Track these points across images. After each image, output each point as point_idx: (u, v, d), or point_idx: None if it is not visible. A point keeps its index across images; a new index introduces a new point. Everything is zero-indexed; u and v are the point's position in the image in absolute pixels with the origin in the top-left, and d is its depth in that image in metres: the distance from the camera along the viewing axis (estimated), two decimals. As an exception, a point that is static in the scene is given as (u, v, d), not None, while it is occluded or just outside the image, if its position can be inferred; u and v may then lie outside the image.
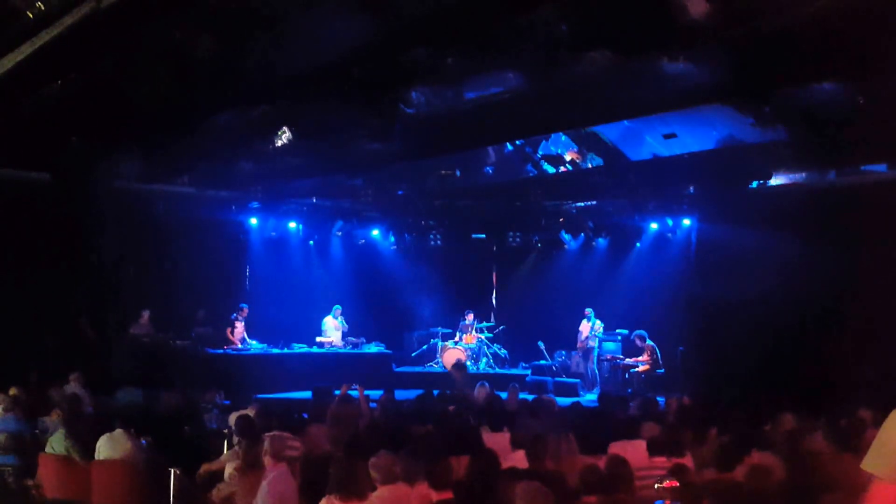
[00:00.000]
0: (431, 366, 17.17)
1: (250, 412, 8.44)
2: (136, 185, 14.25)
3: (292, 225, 18.09)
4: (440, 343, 17.16)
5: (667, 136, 12.02)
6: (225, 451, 8.01)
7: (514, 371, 16.72)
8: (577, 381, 15.69)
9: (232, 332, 15.84)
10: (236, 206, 16.57)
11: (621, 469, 5.76)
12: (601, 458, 6.53)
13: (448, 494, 5.50)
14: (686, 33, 7.92)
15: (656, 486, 3.33)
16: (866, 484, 2.73)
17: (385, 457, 5.55)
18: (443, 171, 15.56)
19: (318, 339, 16.83)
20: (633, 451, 6.72)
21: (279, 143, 12.60)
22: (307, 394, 12.03)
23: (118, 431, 8.03)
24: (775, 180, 13.26)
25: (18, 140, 11.88)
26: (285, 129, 12.33)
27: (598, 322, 16.06)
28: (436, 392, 10.81)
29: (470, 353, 16.88)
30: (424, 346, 17.65)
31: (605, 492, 5.46)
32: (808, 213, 12.37)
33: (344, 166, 14.05)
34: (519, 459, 6.62)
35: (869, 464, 2.68)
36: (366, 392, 10.45)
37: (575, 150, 14.16)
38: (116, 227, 13.42)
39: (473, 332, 17.21)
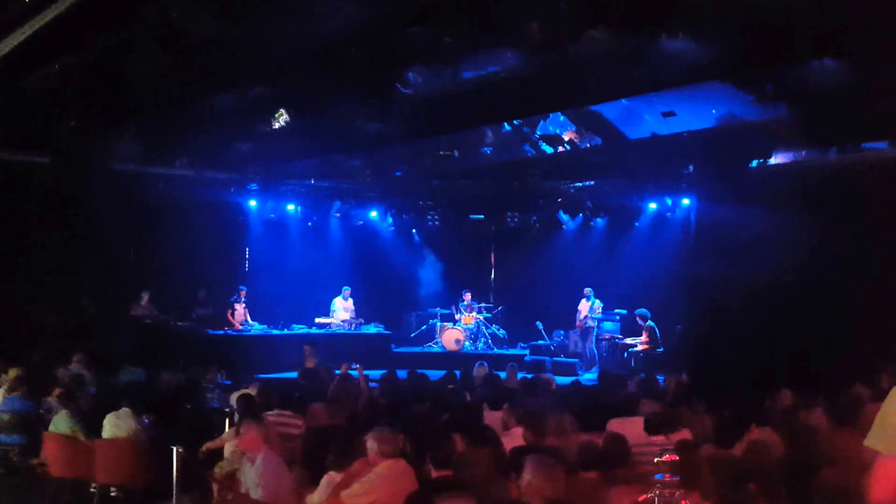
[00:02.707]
0: (430, 346, 17.24)
1: (252, 391, 8.48)
2: (134, 166, 14.25)
3: (291, 207, 18.11)
4: (439, 323, 17.22)
5: (666, 115, 11.97)
6: (226, 430, 8.05)
7: (512, 351, 16.77)
8: (576, 360, 15.75)
9: (232, 315, 15.90)
10: (235, 187, 16.57)
11: (619, 445, 5.82)
12: (600, 435, 6.59)
13: (448, 472, 5.54)
14: (686, 9, 7.89)
15: (656, 459, 3.35)
16: (866, 459, 2.74)
17: (384, 432, 5.58)
18: (441, 152, 15.51)
19: (318, 319, 16.89)
20: (632, 428, 6.76)
21: (276, 125, 12.57)
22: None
23: (124, 410, 8.09)
24: (775, 159, 13.22)
25: (18, 122, 11.87)
26: (282, 110, 12.30)
27: (597, 302, 16.10)
28: (437, 373, 10.87)
29: (468, 334, 16.95)
30: (423, 327, 17.72)
31: (604, 468, 5.51)
32: (808, 191, 12.35)
33: (341, 147, 14.02)
34: (518, 436, 6.67)
35: (872, 440, 2.68)
36: (365, 372, 10.50)
37: (573, 129, 14.12)
38: (116, 208, 13.42)
39: (472, 312, 17.25)
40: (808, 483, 4.26)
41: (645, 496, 3.22)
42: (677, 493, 3.17)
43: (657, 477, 3.23)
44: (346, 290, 17.23)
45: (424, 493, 5.15)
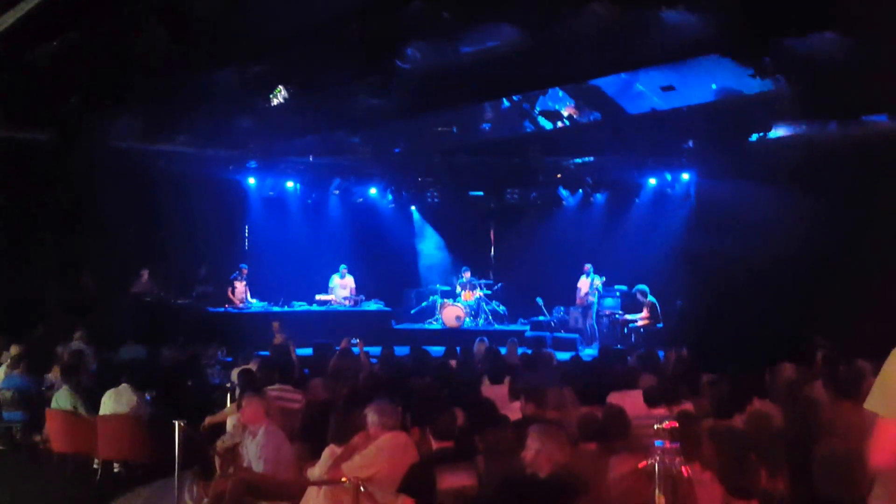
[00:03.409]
0: (431, 323, 17.27)
1: (252, 366, 8.51)
2: (134, 143, 14.20)
3: (290, 184, 18.09)
4: (439, 300, 17.24)
5: (665, 89, 11.92)
6: (228, 405, 8.08)
7: (512, 327, 16.80)
8: (576, 336, 15.79)
9: (233, 293, 15.92)
10: (234, 165, 16.53)
11: (619, 417, 5.81)
12: (599, 408, 6.60)
13: (449, 443, 5.56)
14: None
15: (655, 426, 3.36)
16: (866, 428, 2.74)
17: (384, 404, 5.60)
18: (440, 128, 15.44)
19: (318, 296, 16.92)
20: (632, 401, 6.78)
21: (276, 101, 12.51)
22: (308, 351, 12.11)
23: (123, 386, 8.12)
24: (775, 133, 13.17)
25: (19, 99, 11.83)
26: (281, 86, 12.24)
27: (597, 278, 16.10)
28: (438, 349, 10.88)
29: (469, 310, 16.97)
30: (423, 304, 17.74)
31: (604, 439, 5.52)
32: (808, 165, 12.31)
33: (341, 123, 13.95)
34: (518, 410, 6.69)
35: (872, 403, 2.69)
36: (365, 349, 10.52)
37: (573, 105, 14.06)
38: (116, 185, 13.40)
39: (472, 289, 17.27)
40: (808, 452, 4.27)
41: (645, 462, 3.23)
42: (677, 459, 3.17)
43: (657, 444, 3.24)
44: (344, 269, 17.27)
45: (426, 465, 5.19)
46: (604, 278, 16.13)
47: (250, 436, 6.47)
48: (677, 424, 3.41)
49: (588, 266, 16.26)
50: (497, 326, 16.86)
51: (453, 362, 9.87)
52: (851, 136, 12.63)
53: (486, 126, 15.55)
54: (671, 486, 3.19)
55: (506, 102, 14.78)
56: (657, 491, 3.20)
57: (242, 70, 11.79)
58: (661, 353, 11.04)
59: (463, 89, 12.00)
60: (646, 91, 12.42)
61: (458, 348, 10.82)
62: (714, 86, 11.85)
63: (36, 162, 13.27)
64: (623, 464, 4.06)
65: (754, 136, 13.10)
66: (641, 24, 8.88)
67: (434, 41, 10.64)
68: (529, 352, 11.31)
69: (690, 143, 14.51)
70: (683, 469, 3.19)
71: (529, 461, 4.67)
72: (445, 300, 17.12)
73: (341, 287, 17.10)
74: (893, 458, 2.62)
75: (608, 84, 12.65)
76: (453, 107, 13.86)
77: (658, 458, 3.21)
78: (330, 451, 5.74)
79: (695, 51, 9.98)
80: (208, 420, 7.65)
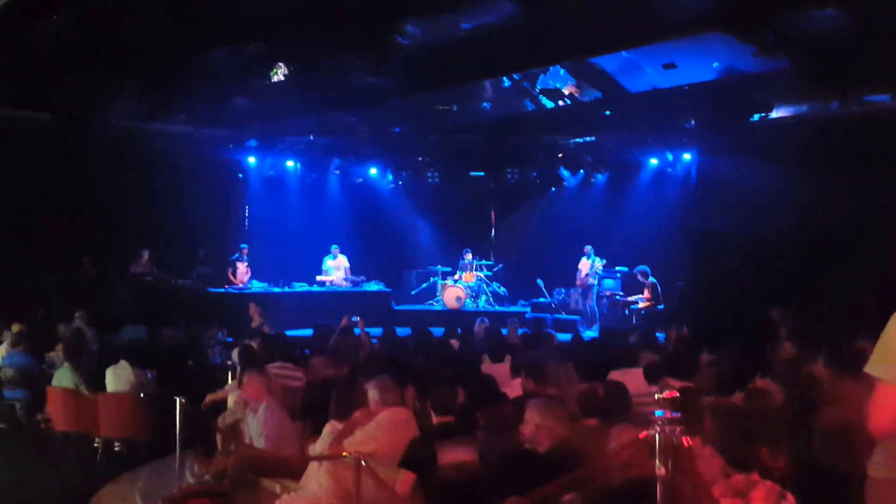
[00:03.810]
0: (431, 304, 17.27)
1: (253, 344, 8.52)
2: (133, 123, 14.15)
3: (290, 164, 18.04)
4: (440, 281, 17.23)
5: (667, 67, 11.83)
6: (229, 383, 8.10)
7: (513, 308, 16.81)
8: (577, 318, 15.80)
9: (234, 273, 15.90)
10: (233, 144, 16.46)
11: (620, 393, 5.83)
12: (600, 385, 6.60)
13: (449, 418, 5.57)
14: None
15: (656, 396, 3.34)
16: (867, 403, 2.73)
17: (385, 380, 5.59)
18: (439, 107, 15.36)
19: (319, 277, 16.91)
20: (632, 379, 6.78)
21: (274, 79, 12.46)
22: (308, 331, 12.13)
23: (122, 363, 8.12)
24: (777, 112, 13.11)
25: (16, 79, 11.77)
26: (280, 64, 12.18)
27: (598, 259, 16.08)
28: (438, 330, 10.88)
29: (469, 291, 16.96)
30: (424, 285, 17.72)
31: (604, 415, 5.53)
32: (810, 145, 12.26)
33: (340, 102, 13.87)
34: (518, 387, 6.70)
35: (872, 367, 2.68)
36: (366, 330, 10.52)
37: (573, 83, 13.97)
38: (115, 165, 13.37)
39: (472, 270, 17.25)
40: (808, 427, 4.27)
41: (645, 433, 3.21)
42: (678, 429, 3.16)
43: (657, 414, 3.22)
44: (335, 249, 17.18)
45: (426, 440, 5.19)
46: (604, 261, 16.11)
47: (251, 412, 6.48)
48: (678, 394, 3.38)
49: (588, 248, 16.23)
50: (497, 308, 16.86)
51: (454, 342, 9.88)
52: (853, 115, 12.56)
53: (487, 105, 15.47)
54: (672, 455, 3.17)
55: (506, 81, 14.69)
56: (657, 461, 3.18)
57: (240, 48, 11.73)
58: (661, 336, 11.03)
59: (462, 66, 11.93)
60: (647, 69, 12.33)
61: (458, 329, 10.83)
62: (716, 64, 11.77)
63: (35, 143, 13.21)
64: (623, 435, 4.05)
65: (756, 116, 13.03)
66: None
67: (433, 17, 10.57)
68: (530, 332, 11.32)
69: (692, 123, 14.44)
70: (684, 439, 3.17)
71: (528, 436, 4.67)
72: (446, 281, 17.11)
73: (335, 268, 17.05)
74: (893, 423, 2.61)
75: (609, 62, 12.57)
76: (453, 85, 13.77)
77: (659, 428, 3.18)
78: (331, 427, 5.75)
79: (696, 27, 9.91)
80: (209, 398, 7.68)
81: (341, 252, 17.22)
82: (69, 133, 13.14)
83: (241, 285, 15.80)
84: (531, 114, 15.14)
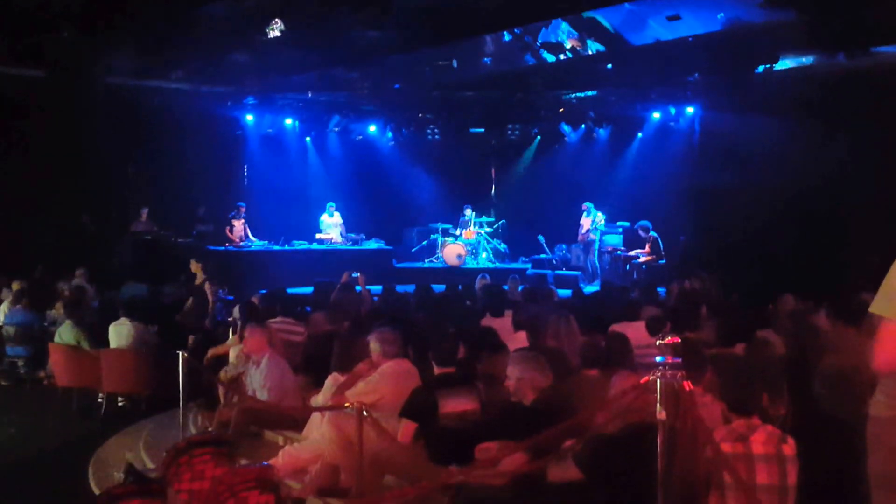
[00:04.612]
0: (431, 261, 17.25)
1: (255, 300, 8.51)
2: (130, 80, 14.01)
3: (289, 121, 17.90)
4: (440, 238, 17.18)
5: (671, 18, 11.66)
6: (230, 338, 8.10)
7: (514, 265, 16.80)
8: (578, 273, 15.77)
9: (231, 231, 15.87)
10: (232, 101, 16.31)
11: (621, 344, 5.82)
12: (602, 337, 6.59)
13: (450, 369, 5.57)
14: None
15: (658, 343, 3.32)
16: (868, 350, 2.72)
17: (386, 332, 5.59)
18: (440, 62, 15.16)
19: (318, 235, 16.88)
20: (634, 331, 6.77)
21: (272, 35, 12.29)
22: (309, 289, 12.12)
23: (123, 319, 8.13)
24: (782, 65, 12.94)
25: (12, 35, 11.63)
26: (278, 20, 12.00)
27: (599, 214, 16.00)
28: (439, 287, 10.85)
29: (470, 248, 16.92)
30: (424, 242, 17.68)
31: (606, 366, 5.52)
32: (815, 97, 12.13)
33: (338, 58, 13.71)
34: (520, 340, 6.69)
35: (878, 306, 2.67)
36: (367, 287, 10.49)
37: (575, 37, 13.78)
38: (113, 123, 13.26)
39: (473, 227, 17.20)
40: (809, 374, 4.26)
41: (647, 378, 3.20)
42: (679, 374, 3.15)
43: (659, 360, 3.20)
44: (331, 206, 17.12)
45: (427, 390, 5.19)
46: (605, 215, 16.04)
47: (254, 365, 6.49)
48: (679, 340, 3.36)
49: (587, 204, 16.14)
50: (498, 265, 16.85)
51: (455, 297, 9.87)
52: (859, 67, 12.40)
53: (488, 60, 15.27)
54: (673, 400, 3.16)
55: (507, 35, 14.48)
56: (658, 406, 3.18)
57: (237, 3, 11.56)
58: (661, 291, 11.01)
59: (463, 20, 11.76)
60: (651, 22, 12.14)
61: (459, 286, 10.81)
62: (721, 15, 11.59)
63: (32, 100, 13.09)
64: (624, 382, 4.05)
65: (760, 68, 12.87)
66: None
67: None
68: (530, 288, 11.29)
69: (695, 76, 14.27)
70: (685, 384, 3.16)
71: (513, 389, 4.69)
72: (446, 238, 17.07)
73: (332, 225, 17.01)
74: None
75: (612, 14, 12.37)
76: (454, 39, 13.59)
77: (660, 373, 3.17)
78: (333, 380, 5.76)
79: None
80: (211, 352, 7.69)
81: (338, 210, 17.16)
82: (65, 90, 13.01)
83: (239, 243, 15.77)
84: (532, 68, 14.96)
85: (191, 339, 8.65)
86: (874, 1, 10.22)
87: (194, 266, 11.69)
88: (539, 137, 18.45)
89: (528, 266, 16.56)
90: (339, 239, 16.90)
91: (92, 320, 9.08)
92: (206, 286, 10.58)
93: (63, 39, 11.97)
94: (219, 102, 16.07)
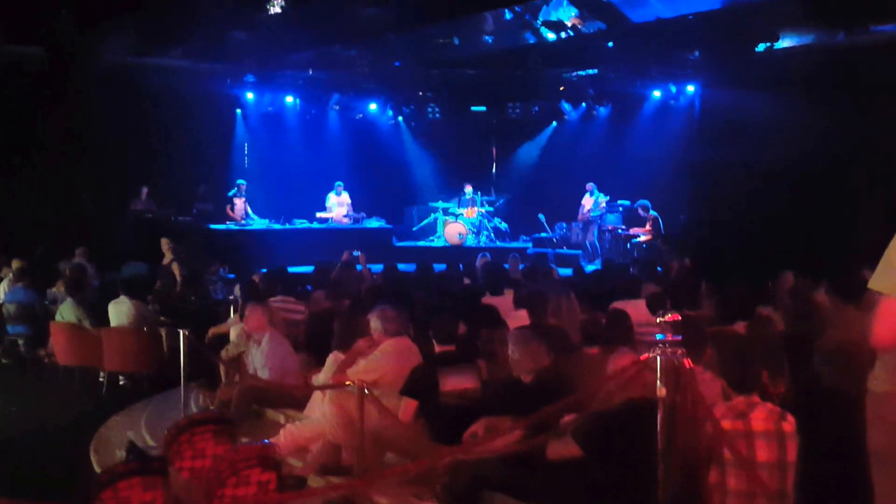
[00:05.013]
0: (432, 240, 17.24)
1: (256, 278, 8.52)
2: (129, 58, 13.92)
3: (289, 99, 17.83)
4: (441, 217, 17.17)
5: (671, -6, 11.61)
6: (231, 317, 8.12)
7: (514, 244, 16.80)
8: (579, 252, 15.79)
9: (231, 210, 15.86)
10: (231, 79, 16.24)
11: (622, 321, 5.83)
12: (602, 314, 6.60)
13: (451, 347, 5.58)
14: None
15: (658, 320, 3.33)
16: (868, 327, 2.72)
17: (387, 310, 5.59)
18: (440, 40, 15.08)
19: (319, 214, 16.87)
20: (634, 309, 6.77)
21: (272, 11, 12.23)
22: (309, 268, 12.11)
23: (123, 298, 8.13)
24: (782, 42, 12.87)
25: (8, 13, 11.54)
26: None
27: (601, 196, 16.00)
28: (440, 266, 10.86)
29: (470, 227, 16.91)
30: (425, 221, 17.67)
31: (606, 343, 5.54)
32: (816, 75, 12.06)
33: (338, 36, 13.63)
34: (521, 318, 6.70)
35: (876, 283, 2.67)
36: (367, 266, 10.50)
37: (576, 14, 13.70)
38: (113, 101, 13.19)
39: (474, 205, 17.18)
40: (809, 351, 4.27)
41: (647, 355, 3.21)
42: (679, 351, 3.16)
43: (659, 337, 3.22)
44: (339, 186, 17.12)
45: (428, 368, 5.21)
46: (608, 197, 16.03)
47: (255, 344, 6.51)
48: (679, 318, 3.37)
49: (591, 185, 16.13)
50: (499, 243, 16.85)
51: (455, 275, 9.88)
52: (860, 45, 12.34)
53: (488, 38, 15.19)
54: (673, 377, 3.18)
55: (508, 13, 14.40)
56: (658, 382, 3.19)
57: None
58: (661, 270, 11.00)
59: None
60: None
61: (460, 265, 10.82)
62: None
63: (30, 78, 13.03)
64: (623, 359, 4.07)
65: (761, 46, 12.80)
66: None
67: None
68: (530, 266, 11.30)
69: (696, 54, 14.19)
70: (685, 361, 3.18)
71: (513, 367, 4.73)
72: (447, 217, 17.05)
73: (339, 204, 17.01)
74: (894, 336, 2.61)
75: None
76: (454, 17, 13.50)
77: (660, 350, 3.18)
78: (334, 358, 5.78)
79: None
80: (212, 331, 7.71)
81: (345, 189, 17.15)
82: (64, 68, 12.94)
83: (240, 222, 15.77)
84: (533, 46, 14.88)
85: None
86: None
87: (164, 245, 11.24)
88: (555, 123, 18.34)
89: (529, 245, 16.57)
90: (342, 218, 16.87)
91: (93, 299, 9.09)
92: (174, 266, 10.46)
93: (62, 17, 11.89)
94: (218, 80, 16.01)
